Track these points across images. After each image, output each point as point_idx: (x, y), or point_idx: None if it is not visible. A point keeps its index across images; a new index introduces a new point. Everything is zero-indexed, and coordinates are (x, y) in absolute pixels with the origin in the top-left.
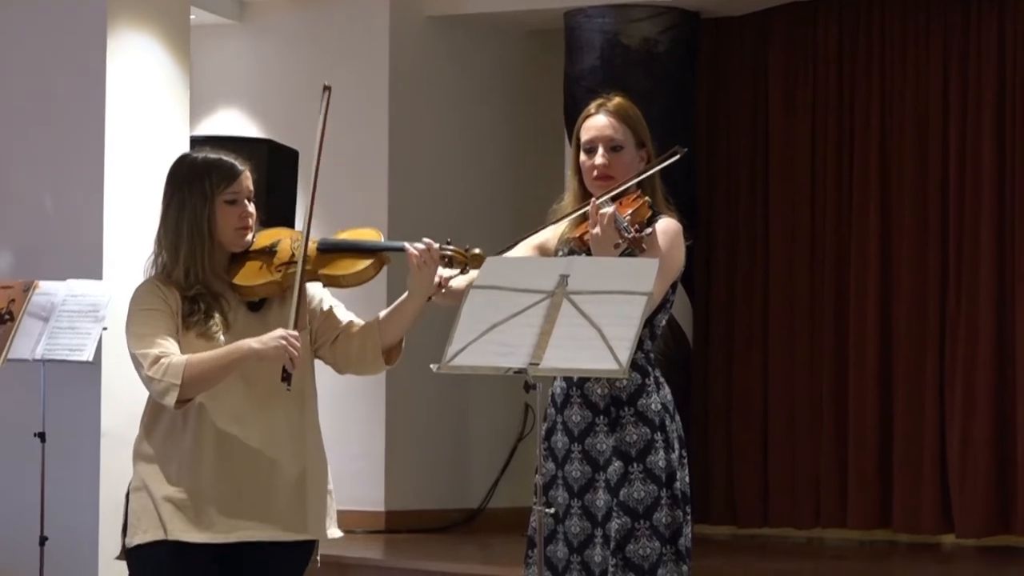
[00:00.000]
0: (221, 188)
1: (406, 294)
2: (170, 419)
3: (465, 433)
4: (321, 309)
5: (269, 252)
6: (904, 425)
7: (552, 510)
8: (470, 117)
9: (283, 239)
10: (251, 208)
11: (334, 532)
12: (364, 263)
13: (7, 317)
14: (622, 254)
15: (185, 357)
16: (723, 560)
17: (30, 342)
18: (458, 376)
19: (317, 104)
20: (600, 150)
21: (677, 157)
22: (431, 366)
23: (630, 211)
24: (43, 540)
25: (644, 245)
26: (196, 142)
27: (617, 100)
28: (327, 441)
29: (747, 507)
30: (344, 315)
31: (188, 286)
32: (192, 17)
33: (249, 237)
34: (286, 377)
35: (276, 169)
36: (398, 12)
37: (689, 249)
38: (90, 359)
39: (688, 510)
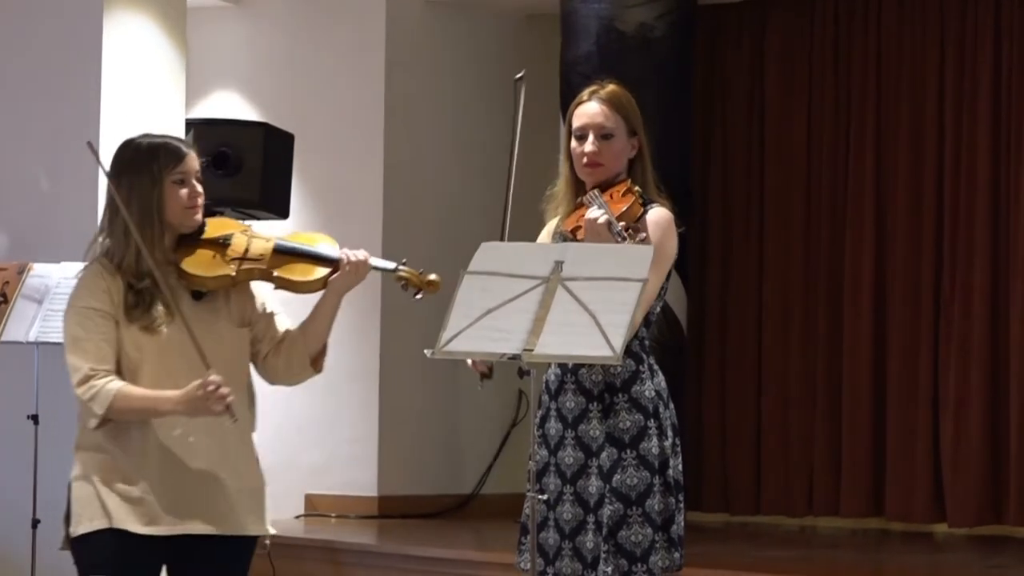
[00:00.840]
0: (169, 168)
1: (322, 295)
2: None
3: (458, 419)
4: (265, 312)
5: (222, 244)
6: (897, 414)
7: (545, 496)
8: (466, 101)
9: (236, 233)
10: (199, 188)
11: (270, 528)
12: (322, 271)
13: (1, 299)
14: None
15: (115, 389)
16: (716, 548)
17: (24, 324)
18: (452, 361)
19: (313, 87)
20: (590, 137)
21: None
22: (425, 351)
23: (623, 208)
24: (35, 523)
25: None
26: (192, 125)
27: (610, 88)
28: (321, 425)
29: (740, 495)
30: (282, 323)
31: (137, 273)
32: None
33: (198, 217)
34: (228, 412)
35: (272, 152)
36: None
37: (683, 236)
38: None
39: (681, 498)
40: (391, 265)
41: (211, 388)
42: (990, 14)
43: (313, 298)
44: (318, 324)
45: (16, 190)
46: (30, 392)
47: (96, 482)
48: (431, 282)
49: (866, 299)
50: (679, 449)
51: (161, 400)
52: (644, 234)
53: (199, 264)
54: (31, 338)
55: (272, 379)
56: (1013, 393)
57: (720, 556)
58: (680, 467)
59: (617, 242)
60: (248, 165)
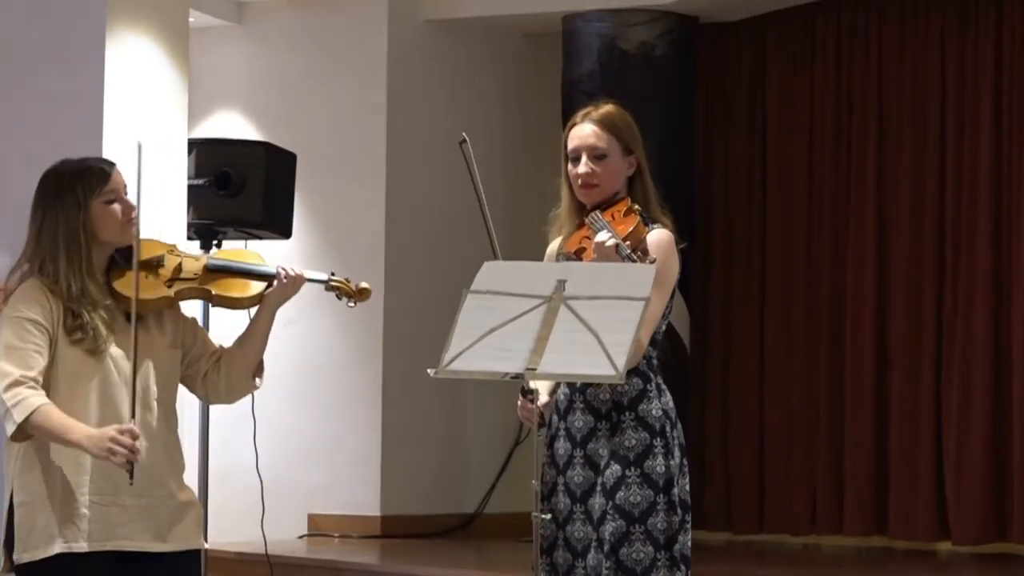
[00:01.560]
0: (97, 191)
1: (256, 310)
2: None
3: (461, 438)
4: (197, 331)
5: (154, 265)
6: (900, 432)
7: (548, 516)
8: (467, 121)
9: (165, 254)
10: (131, 201)
11: (203, 542)
12: (259, 286)
13: None
14: None
15: (38, 404)
16: (719, 567)
17: None
18: (455, 381)
19: (315, 107)
20: (583, 158)
21: None
22: (428, 371)
23: (629, 229)
24: None
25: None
26: (194, 145)
27: (604, 108)
28: (323, 445)
29: (743, 514)
30: (213, 343)
31: (71, 299)
32: (191, 19)
33: (134, 230)
34: (129, 470)
35: (274, 172)
36: (396, 15)
37: (684, 252)
38: None
39: (688, 517)
40: (323, 276)
41: (124, 440)
42: (991, 26)
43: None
44: (255, 339)
45: (19, 210)
46: None
47: (37, 506)
48: (362, 290)
49: (868, 315)
50: (687, 469)
51: (73, 430)
52: (653, 257)
53: (126, 286)
54: None
55: (213, 398)
56: (1016, 410)
57: (723, 575)
58: (687, 487)
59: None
60: (250, 185)
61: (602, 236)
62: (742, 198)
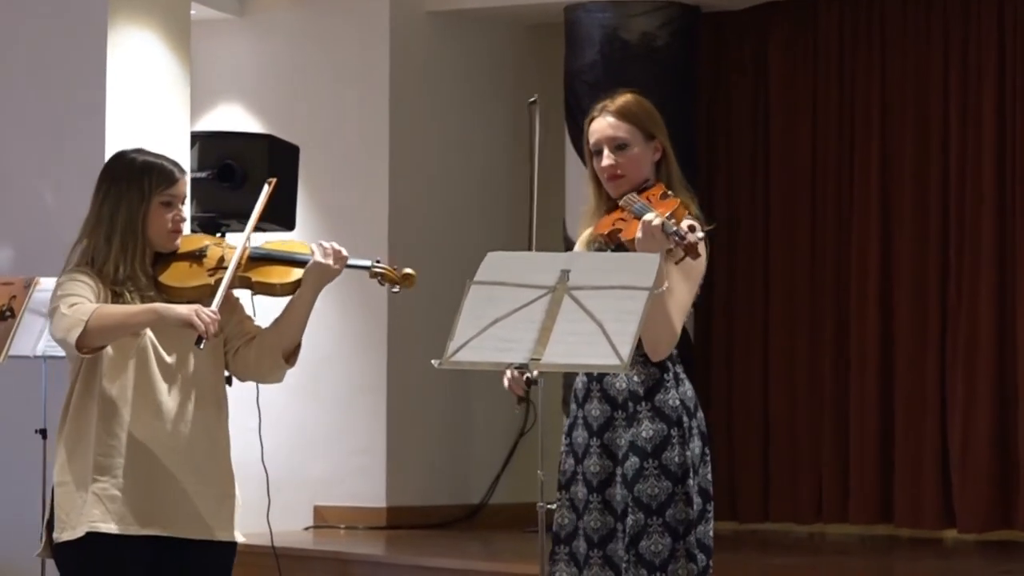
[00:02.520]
0: (160, 189)
1: (297, 293)
2: (92, 412)
3: (467, 429)
4: (235, 310)
5: (198, 256)
6: (905, 420)
7: (554, 504)
8: (470, 112)
9: (210, 245)
10: (184, 212)
11: (239, 536)
12: (300, 272)
13: (8, 314)
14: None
15: (96, 306)
16: (725, 556)
17: (31, 339)
18: (460, 371)
19: (318, 99)
20: (605, 151)
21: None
22: (432, 362)
23: (672, 209)
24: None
25: (698, 252)
26: (197, 138)
27: (621, 99)
28: (329, 436)
29: (748, 503)
30: (252, 324)
31: (116, 281)
32: (192, 12)
33: (178, 241)
34: (198, 340)
35: (276, 165)
36: (399, 7)
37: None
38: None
39: (710, 507)
40: (367, 262)
41: (206, 312)
42: (993, 11)
43: None
44: (292, 319)
45: (22, 204)
46: (38, 406)
47: (73, 488)
48: (407, 275)
49: (872, 306)
50: (708, 458)
51: (139, 308)
52: (701, 234)
53: (177, 276)
54: (38, 352)
55: (243, 373)
56: (1021, 398)
57: (730, 564)
58: (710, 475)
59: (673, 243)
60: (253, 177)
61: (649, 216)
62: (745, 187)
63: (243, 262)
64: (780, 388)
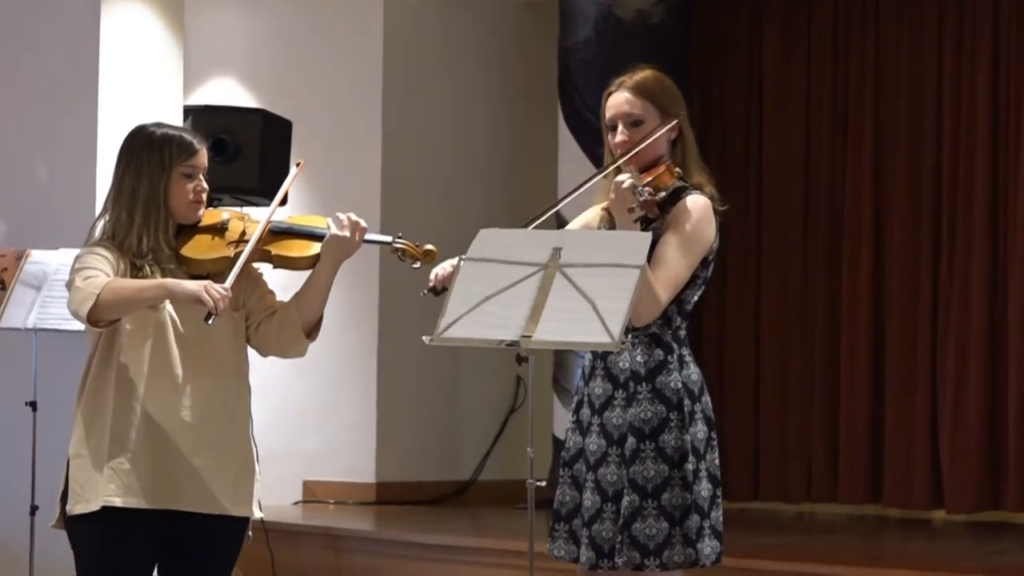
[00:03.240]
0: (180, 160)
1: (316, 267)
2: (110, 386)
3: (456, 405)
4: (259, 287)
5: (219, 229)
6: (895, 400)
7: (543, 483)
8: (464, 87)
9: (232, 218)
10: (205, 184)
11: (257, 512)
12: (318, 247)
13: None
14: (643, 224)
15: (108, 280)
16: None
17: (22, 311)
18: (450, 348)
19: (311, 74)
20: (620, 127)
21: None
22: (423, 338)
23: (651, 178)
24: (34, 509)
25: (656, 210)
26: (190, 111)
27: (640, 74)
28: (319, 412)
29: (738, 482)
30: (273, 298)
31: (139, 254)
32: None
33: (201, 212)
34: (208, 316)
35: (270, 139)
36: None
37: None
38: (82, 328)
39: (719, 492)
40: (387, 238)
41: (216, 288)
42: (989, 3)
43: None
44: (313, 293)
45: (14, 177)
46: (28, 379)
47: (88, 461)
48: (428, 252)
49: (864, 286)
50: (715, 443)
51: (150, 283)
52: (663, 194)
53: (198, 248)
54: (29, 324)
55: (265, 348)
56: (1012, 379)
57: None
58: (717, 461)
59: (638, 201)
60: (246, 152)
61: (621, 177)
62: (737, 166)
63: (264, 236)
64: (770, 367)
